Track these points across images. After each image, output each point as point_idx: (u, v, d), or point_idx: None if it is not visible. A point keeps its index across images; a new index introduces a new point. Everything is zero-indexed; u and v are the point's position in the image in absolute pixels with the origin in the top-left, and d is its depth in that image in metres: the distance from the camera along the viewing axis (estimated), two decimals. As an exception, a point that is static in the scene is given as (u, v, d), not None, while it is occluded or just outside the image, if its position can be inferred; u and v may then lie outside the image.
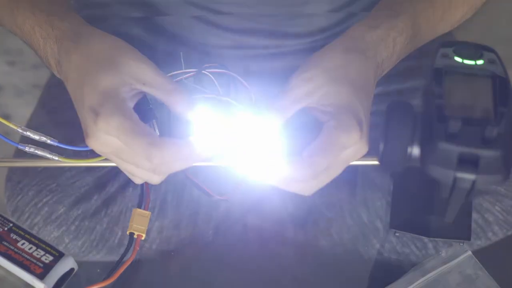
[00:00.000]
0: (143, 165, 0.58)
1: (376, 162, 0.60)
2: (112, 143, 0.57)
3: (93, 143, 0.58)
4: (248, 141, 0.58)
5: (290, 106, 0.59)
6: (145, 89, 0.59)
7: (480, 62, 0.55)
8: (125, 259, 0.62)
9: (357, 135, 0.57)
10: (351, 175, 0.63)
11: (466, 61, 0.55)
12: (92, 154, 0.61)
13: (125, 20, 0.86)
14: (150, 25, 0.86)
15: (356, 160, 0.60)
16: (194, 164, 0.61)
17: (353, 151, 0.58)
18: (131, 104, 0.60)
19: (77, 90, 0.59)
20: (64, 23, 0.64)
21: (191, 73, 0.71)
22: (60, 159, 0.61)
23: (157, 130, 0.62)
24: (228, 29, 0.82)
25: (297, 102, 0.59)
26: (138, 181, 0.61)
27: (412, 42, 0.68)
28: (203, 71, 0.71)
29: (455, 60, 0.55)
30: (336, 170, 0.60)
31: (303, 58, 0.83)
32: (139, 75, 0.59)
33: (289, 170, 0.58)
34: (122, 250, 0.70)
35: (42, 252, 0.60)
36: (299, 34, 0.83)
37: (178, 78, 0.71)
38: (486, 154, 0.49)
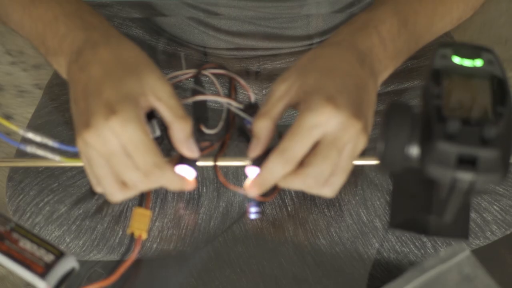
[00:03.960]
0: (129, 177, 0.58)
1: (376, 162, 0.60)
2: (110, 143, 0.56)
3: (91, 135, 0.56)
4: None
5: (273, 107, 0.60)
6: (158, 105, 0.59)
7: (478, 63, 0.55)
8: (125, 258, 0.62)
9: (328, 110, 0.56)
10: (351, 174, 0.63)
11: (465, 62, 0.55)
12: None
13: (126, 21, 0.86)
14: (150, 25, 0.86)
15: (356, 158, 0.60)
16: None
17: (334, 126, 0.57)
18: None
19: (96, 81, 0.59)
20: (95, 19, 0.64)
21: (191, 74, 0.71)
22: (61, 159, 0.62)
23: (157, 130, 0.62)
24: (226, 32, 0.82)
25: (277, 102, 0.60)
26: (99, 189, 0.60)
27: (405, 32, 0.67)
28: (203, 72, 0.72)
29: (454, 61, 0.55)
30: (327, 153, 0.58)
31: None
32: (158, 91, 0.59)
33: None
34: (123, 249, 0.70)
35: (44, 251, 0.60)
36: (298, 37, 0.83)
37: (178, 79, 0.72)
38: (485, 154, 0.49)
